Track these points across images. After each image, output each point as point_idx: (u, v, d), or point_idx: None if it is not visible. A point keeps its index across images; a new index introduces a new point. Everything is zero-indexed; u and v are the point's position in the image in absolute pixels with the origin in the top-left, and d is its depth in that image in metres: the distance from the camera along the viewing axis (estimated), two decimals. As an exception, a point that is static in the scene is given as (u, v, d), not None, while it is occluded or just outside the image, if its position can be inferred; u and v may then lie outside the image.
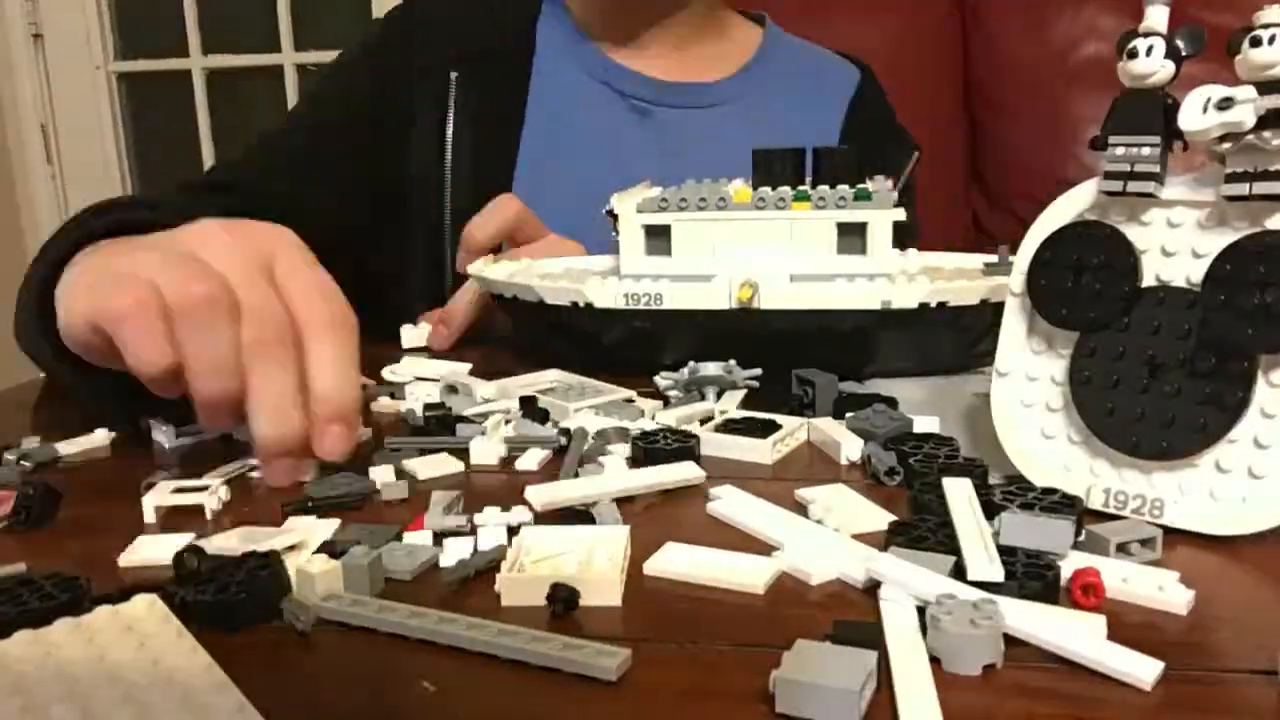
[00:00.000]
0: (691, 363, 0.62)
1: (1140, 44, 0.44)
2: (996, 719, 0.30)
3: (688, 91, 1.00)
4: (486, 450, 0.53)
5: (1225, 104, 0.41)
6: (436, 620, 0.35)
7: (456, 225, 0.88)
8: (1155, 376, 0.44)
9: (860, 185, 0.66)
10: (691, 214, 0.67)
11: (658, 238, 0.68)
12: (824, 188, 0.67)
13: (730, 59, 1.03)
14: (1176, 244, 0.45)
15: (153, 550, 0.43)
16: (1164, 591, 0.37)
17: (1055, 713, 0.31)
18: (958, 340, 0.65)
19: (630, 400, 0.61)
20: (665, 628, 0.36)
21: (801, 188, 0.67)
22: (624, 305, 0.65)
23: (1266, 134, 0.41)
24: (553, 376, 0.67)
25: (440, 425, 0.57)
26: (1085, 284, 0.46)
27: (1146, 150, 0.45)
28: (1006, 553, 0.38)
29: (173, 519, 0.47)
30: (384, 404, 0.64)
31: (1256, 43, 0.41)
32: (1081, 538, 0.41)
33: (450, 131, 0.94)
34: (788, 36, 1.08)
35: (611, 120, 0.98)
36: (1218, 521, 0.42)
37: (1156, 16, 0.44)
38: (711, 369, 0.62)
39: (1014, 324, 0.49)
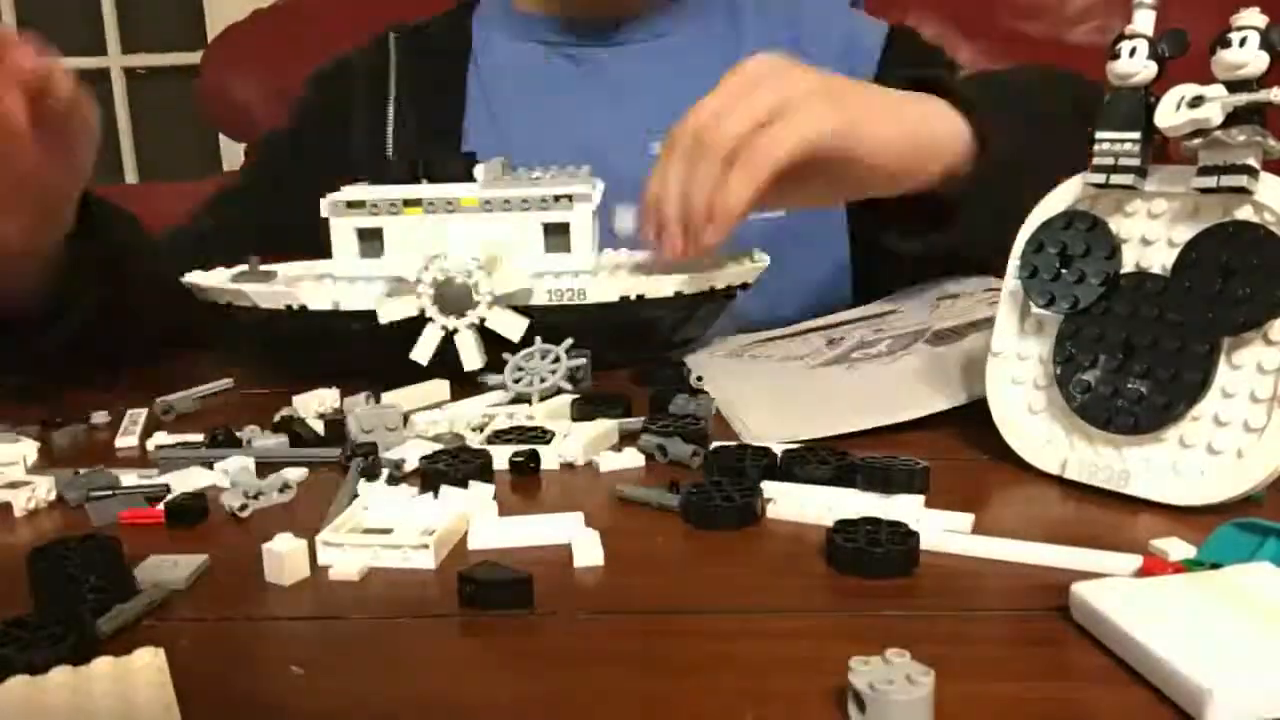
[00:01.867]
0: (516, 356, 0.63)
1: (1125, 46, 0.47)
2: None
3: (617, 27, 0.95)
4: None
5: (1196, 102, 0.44)
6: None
7: None
8: (1129, 357, 0.47)
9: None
10: (401, 217, 0.67)
11: (370, 239, 0.68)
12: (528, 189, 0.68)
13: None
14: (1155, 233, 0.47)
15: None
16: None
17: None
18: (657, 330, 0.70)
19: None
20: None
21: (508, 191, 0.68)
22: (335, 307, 0.66)
23: (1233, 130, 0.43)
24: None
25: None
26: (1070, 270, 0.49)
27: (1128, 145, 0.47)
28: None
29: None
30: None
31: (1229, 44, 0.43)
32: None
33: (391, 119, 0.94)
34: None
35: (546, 78, 0.95)
36: (1178, 493, 0.45)
37: (1142, 20, 0.47)
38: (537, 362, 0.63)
39: (1008, 307, 0.52)
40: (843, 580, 0.39)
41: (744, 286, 0.71)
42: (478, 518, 0.45)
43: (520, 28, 0.97)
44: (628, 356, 0.69)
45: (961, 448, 0.53)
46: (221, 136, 1.88)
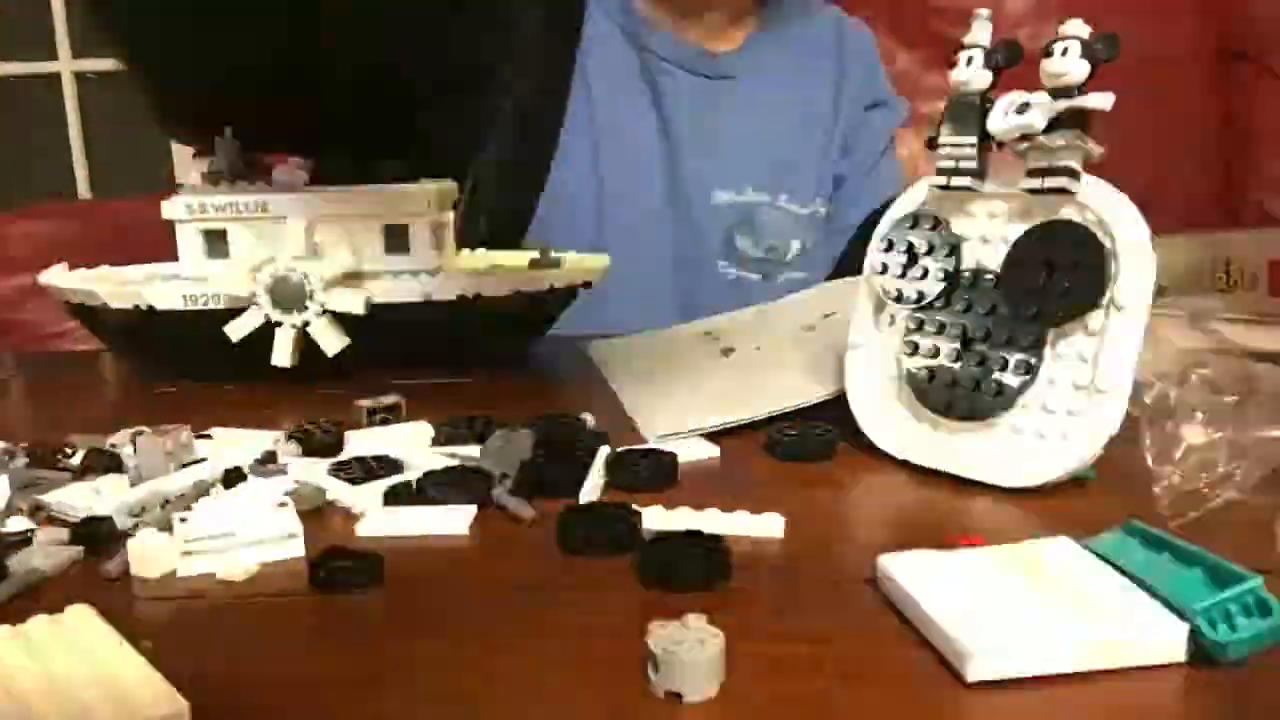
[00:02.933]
0: None
1: (963, 55, 0.50)
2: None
3: (702, 56, 1.01)
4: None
5: (1023, 108, 0.47)
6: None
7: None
8: (966, 348, 0.50)
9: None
10: (245, 218, 0.69)
11: (217, 240, 0.70)
12: (370, 190, 0.70)
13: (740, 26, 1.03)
14: (993, 232, 0.51)
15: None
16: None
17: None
18: (500, 329, 0.72)
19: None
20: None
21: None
22: (184, 307, 0.67)
23: (1054, 135, 0.46)
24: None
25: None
26: (917, 267, 0.52)
27: (967, 149, 0.50)
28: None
29: None
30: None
31: (1051, 53, 0.46)
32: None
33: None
34: None
35: (639, 87, 0.99)
36: (1009, 476, 0.48)
37: (979, 31, 0.50)
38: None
39: (865, 302, 0.55)
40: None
41: (586, 285, 0.74)
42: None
43: (633, 25, 0.99)
44: (471, 355, 0.71)
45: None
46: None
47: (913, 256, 0.52)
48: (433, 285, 0.68)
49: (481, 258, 0.80)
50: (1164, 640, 0.33)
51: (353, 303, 0.66)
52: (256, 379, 0.67)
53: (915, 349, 0.52)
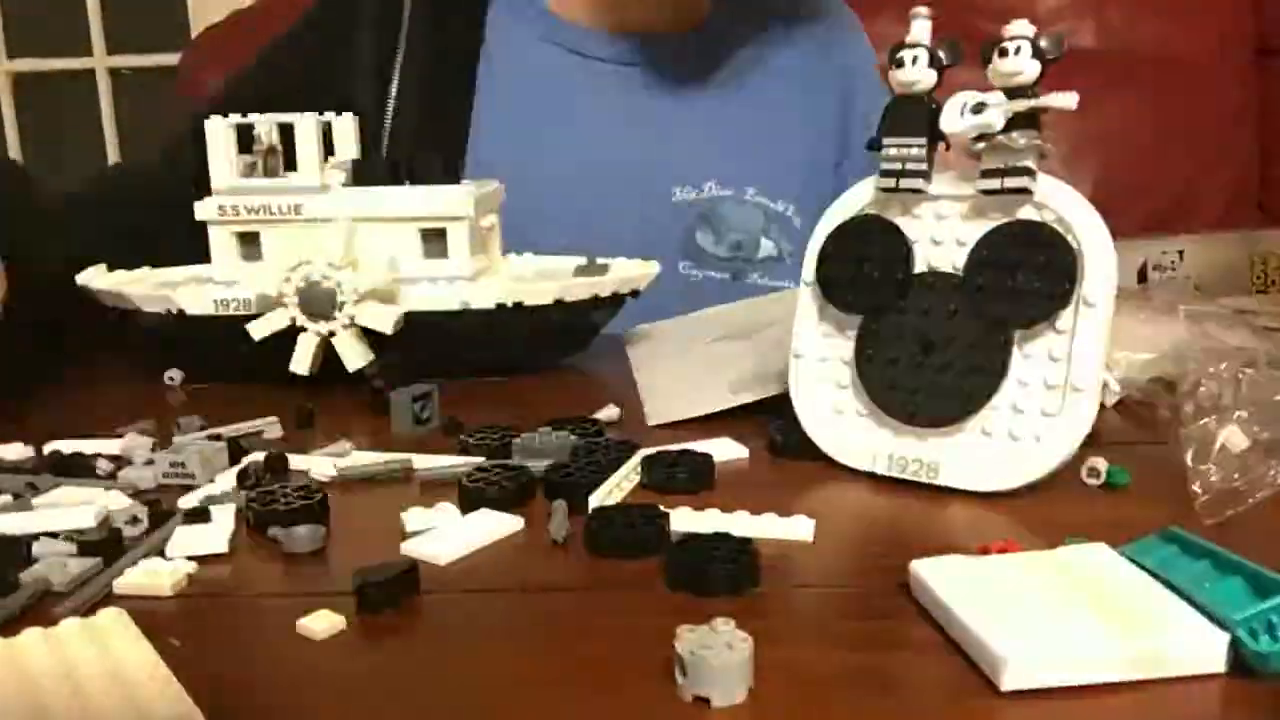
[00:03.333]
0: None
1: (906, 54, 0.49)
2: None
3: (650, 48, 0.92)
4: None
5: (979, 108, 0.46)
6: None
7: None
8: (928, 353, 0.49)
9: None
10: (279, 221, 0.67)
11: (250, 244, 0.68)
12: (406, 192, 0.67)
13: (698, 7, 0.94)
14: (943, 234, 0.49)
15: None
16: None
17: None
18: (537, 338, 0.69)
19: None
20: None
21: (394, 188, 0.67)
22: (215, 312, 0.66)
23: (1015, 134, 0.45)
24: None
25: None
26: (865, 272, 0.50)
27: (914, 150, 0.49)
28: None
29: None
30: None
31: (1004, 53, 0.45)
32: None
33: (395, 79, 0.88)
34: None
35: (582, 88, 0.91)
36: (984, 480, 0.47)
37: (919, 30, 0.49)
38: None
39: (807, 311, 0.53)
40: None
41: (634, 294, 0.71)
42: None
43: (547, 29, 0.91)
44: (511, 364, 0.69)
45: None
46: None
47: (860, 262, 0.51)
48: (471, 292, 0.66)
49: (525, 264, 0.76)
50: (1203, 650, 0.32)
51: (382, 320, 0.64)
52: (286, 383, 0.65)
53: (871, 357, 0.50)
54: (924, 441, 0.49)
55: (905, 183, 0.49)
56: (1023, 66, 0.45)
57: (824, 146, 0.97)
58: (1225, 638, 0.32)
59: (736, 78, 0.93)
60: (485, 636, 0.36)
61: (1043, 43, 0.45)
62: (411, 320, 0.65)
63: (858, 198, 0.52)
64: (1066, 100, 0.45)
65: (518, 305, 0.66)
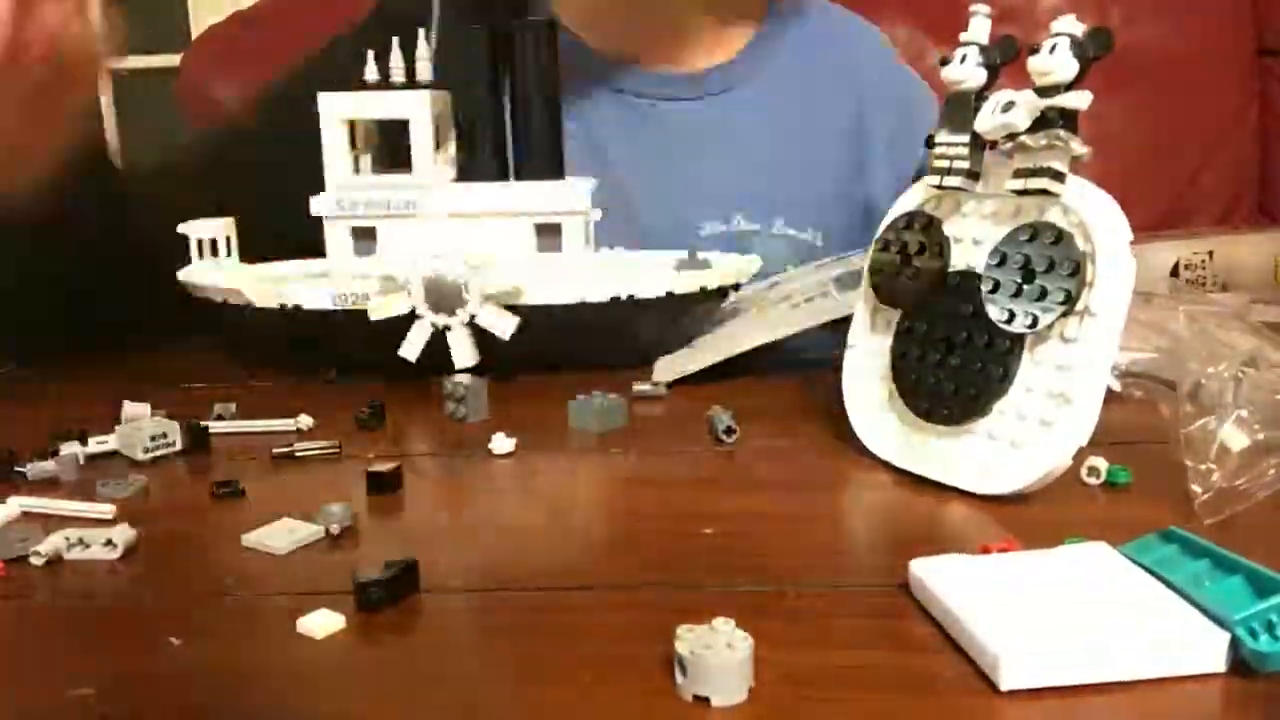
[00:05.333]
0: None
1: (956, 52, 0.49)
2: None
3: (680, 82, 0.92)
4: None
5: (1008, 107, 0.46)
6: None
7: None
8: (949, 352, 0.49)
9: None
10: (395, 215, 0.68)
11: (365, 239, 0.69)
12: (521, 188, 0.68)
13: (731, 40, 0.94)
14: (984, 234, 0.49)
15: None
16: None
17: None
18: (648, 330, 0.70)
19: None
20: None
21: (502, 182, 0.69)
22: (333, 306, 0.66)
23: (1037, 135, 0.45)
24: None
25: None
26: (908, 269, 0.51)
27: (960, 149, 0.49)
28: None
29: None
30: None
31: (1039, 50, 0.45)
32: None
33: None
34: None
35: (612, 121, 0.91)
36: (983, 483, 0.47)
37: (976, 28, 0.49)
38: None
39: (863, 303, 0.55)
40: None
41: (736, 286, 0.72)
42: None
43: (581, 61, 0.91)
44: (620, 357, 0.69)
45: (818, 434, 0.56)
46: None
47: (906, 257, 0.51)
48: (584, 285, 0.67)
49: (619, 258, 0.76)
50: (1203, 650, 0.32)
51: (502, 325, 0.64)
52: (392, 375, 0.66)
53: (904, 352, 0.51)
54: (938, 440, 0.49)
55: (949, 181, 0.49)
56: (1054, 65, 0.44)
57: (848, 172, 0.96)
58: (1225, 637, 0.32)
59: (762, 110, 0.94)
60: (485, 636, 0.36)
61: (1086, 41, 0.44)
62: (528, 314, 0.65)
63: (915, 194, 0.52)
64: (1079, 100, 0.44)
65: (630, 298, 0.67)
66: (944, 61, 0.49)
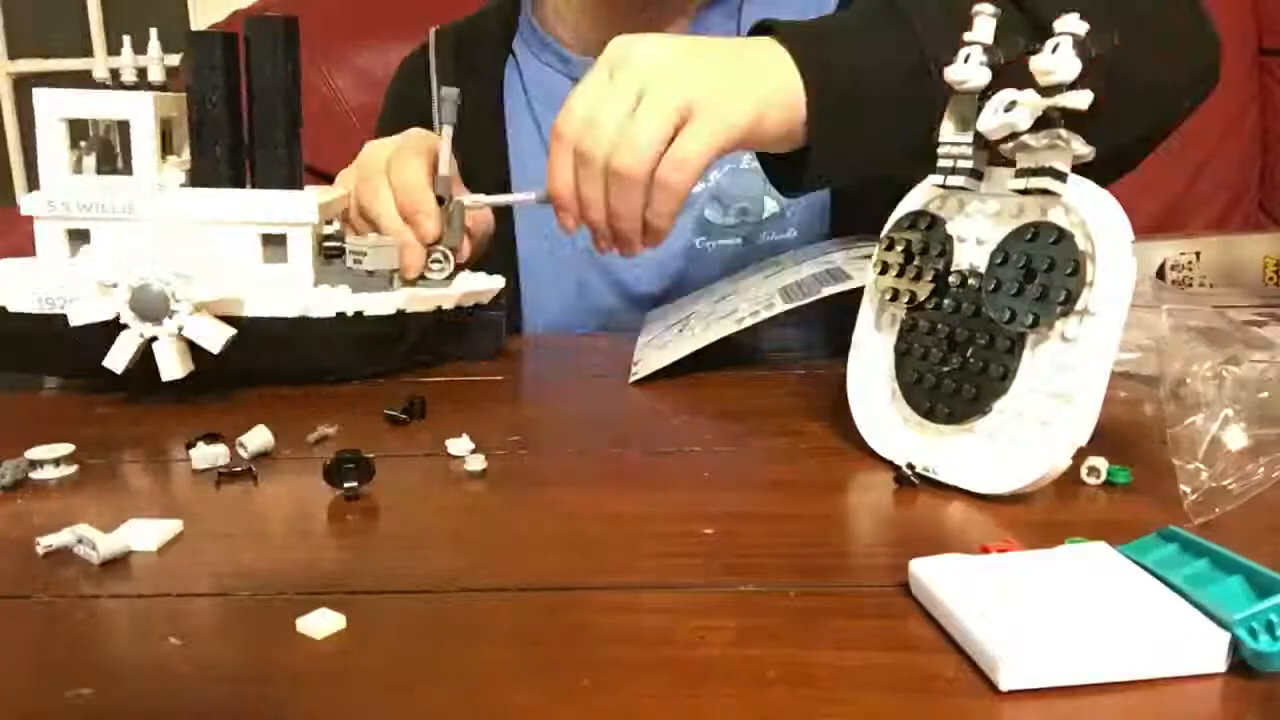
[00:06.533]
0: None
1: (961, 52, 0.49)
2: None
3: None
4: None
5: (1010, 107, 0.46)
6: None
7: None
8: (950, 351, 0.49)
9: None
10: (112, 219, 0.65)
11: (79, 241, 0.65)
12: (246, 196, 0.66)
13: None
14: (987, 233, 0.49)
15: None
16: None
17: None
18: (385, 346, 0.68)
19: None
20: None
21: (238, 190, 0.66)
22: (39, 309, 0.64)
23: (1037, 134, 0.45)
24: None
25: None
26: (911, 268, 0.51)
27: (964, 148, 0.49)
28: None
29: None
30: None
31: (1039, 50, 0.45)
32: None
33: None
34: None
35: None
36: (983, 482, 0.47)
37: (981, 27, 0.49)
38: None
39: (869, 301, 0.55)
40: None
41: (482, 305, 0.71)
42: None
43: (558, 63, 0.98)
44: (355, 370, 0.68)
45: (819, 434, 0.56)
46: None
47: (909, 256, 0.52)
48: (311, 299, 0.65)
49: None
50: (1203, 649, 0.32)
51: (211, 337, 0.61)
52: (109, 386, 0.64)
53: (906, 350, 0.51)
54: (939, 438, 0.49)
55: (952, 180, 0.49)
56: (1056, 65, 0.44)
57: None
58: (1225, 637, 0.32)
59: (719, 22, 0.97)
60: (484, 636, 0.36)
61: (1089, 40, 0.44)
62: (246, 328, 0.63)
63: (920, 193, 0.52)
64: (1079, 99, 0.44)
65: (358, 314, 0.66)
66: (946, 63, 0.49)
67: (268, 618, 0.37)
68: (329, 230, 0.69)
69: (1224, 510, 0.42)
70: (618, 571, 0.41)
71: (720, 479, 0.50)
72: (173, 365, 0.62)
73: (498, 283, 0.73)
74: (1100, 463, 0.47)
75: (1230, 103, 1.45)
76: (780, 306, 0.65)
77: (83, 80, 0.74)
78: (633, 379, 0.66)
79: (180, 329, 0.61)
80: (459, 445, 0.54)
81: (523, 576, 0.40)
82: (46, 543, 0.42)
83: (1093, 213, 0.45)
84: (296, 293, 0.65)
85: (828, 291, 0.64)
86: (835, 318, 0.66)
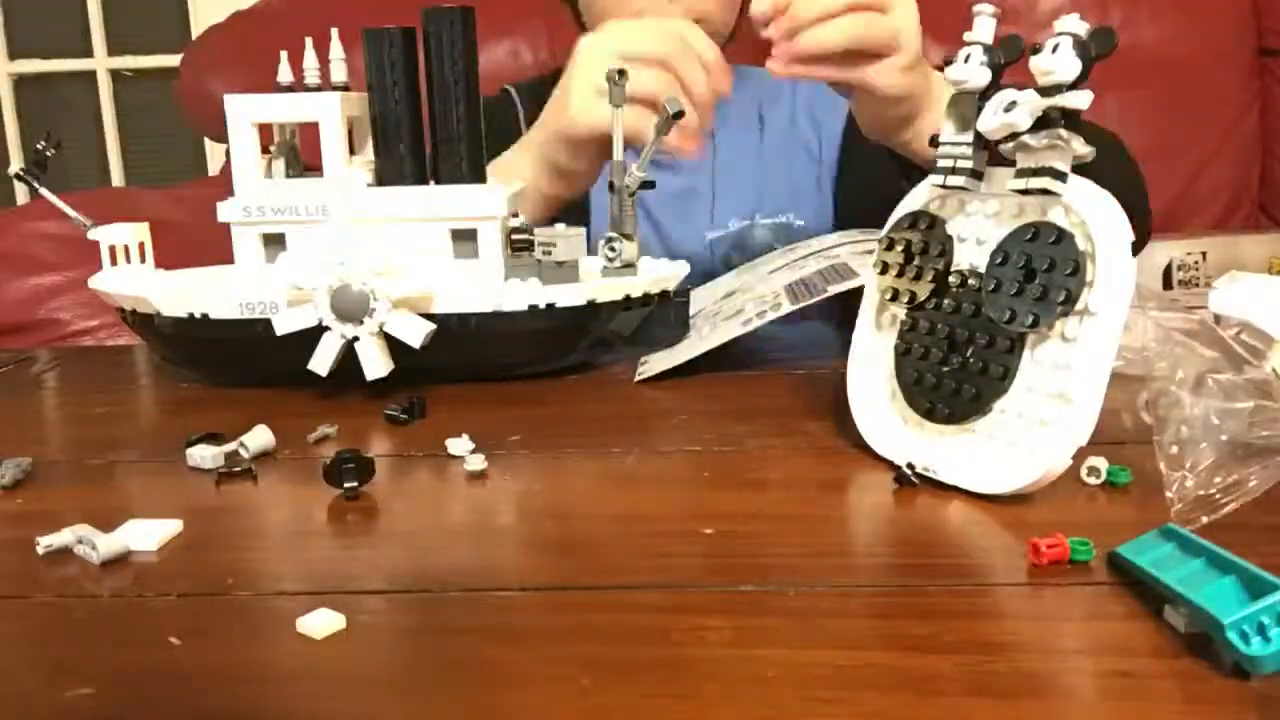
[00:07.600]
0: None
1: (960, 52, 0.49)
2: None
3: None
4: None
5: (1010, 107, 0.46)
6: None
7: None
8: (951, 350, 0.49)
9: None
10: (306, 221, 0.65)
11: (275, 246, 0.66)
12: (435, 192, 0.66)
13: None
14: (987, 233, 0.49)
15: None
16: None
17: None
18: (569, 338, 0.68)
19: None
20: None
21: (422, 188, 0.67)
22: (240, 315, 0.65)
23: (1038, 134, 0.45)
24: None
25: None
26: (911, 268, 0.51)
27: (964, 148, 0.49)
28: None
29: None
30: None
31: (1041, 49, 0.45)
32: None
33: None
34: None
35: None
36: (982, 482, 0.47)
37: (981, 27, 0.49)
38: None
39: (869, 301, 0.55)
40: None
41: (665, 295, 0.70)
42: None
43: None
44: (543, 363, 0.69)
45: (819, 434, 0.56)
46: (206, 139, 1.91)
47: (909, 256, 0.52)
48: (502, 293, 0.65)
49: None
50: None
51: (412, 333, 0.62)
52: (312, 387, 0.65)
53: (906, 350, 0.51)
54: (940, 438, 0.49)
55: (952, 180, 0.50)
56: (1056, 65, 0.44)
57: (808, 162, 1.09)
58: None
59: (737, 119, 1.04)
60: (484, 636, 0.36)
61: (1089, 40, 0.44)
62: (442, 322, 0.64)
63: (920, 193, 0.53)
64: (1080, 99, 0.44)
65: (550, 306, 0.66)
66: (948, 62, 0.49)
67: (268, 618, 0.38)
68: (515, 223, 0.69)
69: (1211, 519, 0.42)
70: (618, 571, 0.41)
71: (720, 479, 0.50)
72: (377, 363, 0.63)
73: (682, 268, 0.73)
74: (1100, 463, 0.47)
75: (1230, 103, 1.45)
76: (787, 307, 0.65)
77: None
78: (639, 378, 0.67)
79: (382, 326, 0.62)
80: (459, 445, 0.54)
81: (523, 576, 0.40)
82: (46, 543, 0.43)
83: (1093, 213, 0.45)
84: (488, 287, 0.65)
85: (834, 290, 0.64)
86: (836, 317, 0.67)
